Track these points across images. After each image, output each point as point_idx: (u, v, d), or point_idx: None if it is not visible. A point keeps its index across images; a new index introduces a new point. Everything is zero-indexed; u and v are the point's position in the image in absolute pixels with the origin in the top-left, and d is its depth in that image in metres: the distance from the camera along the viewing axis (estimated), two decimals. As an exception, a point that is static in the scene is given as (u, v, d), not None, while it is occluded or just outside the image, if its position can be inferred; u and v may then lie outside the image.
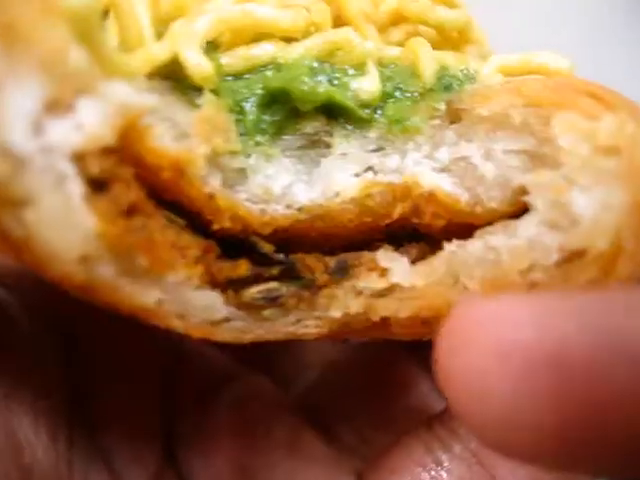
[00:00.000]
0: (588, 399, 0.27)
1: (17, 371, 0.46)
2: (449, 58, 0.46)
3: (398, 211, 0.42)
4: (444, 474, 0.46)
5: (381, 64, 0.46)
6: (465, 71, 0.46)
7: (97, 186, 0.35)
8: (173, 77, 0.41)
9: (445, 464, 0.46)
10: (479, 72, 0.46)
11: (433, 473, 0.46)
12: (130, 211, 0.37)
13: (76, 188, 0.34)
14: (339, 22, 0.48)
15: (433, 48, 0.49)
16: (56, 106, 0.33)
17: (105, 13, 0.41)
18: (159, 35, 0.42)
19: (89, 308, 0.39)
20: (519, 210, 0.40)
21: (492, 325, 0.28)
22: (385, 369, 0.61)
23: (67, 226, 0.34)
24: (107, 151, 0.35)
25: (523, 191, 0.39)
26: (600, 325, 0.27)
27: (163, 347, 0.57)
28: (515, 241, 0.39)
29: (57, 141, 0.33)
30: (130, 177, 0.37)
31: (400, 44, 0.48)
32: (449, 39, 0.51)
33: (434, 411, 0.51)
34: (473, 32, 0.51)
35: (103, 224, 0.35)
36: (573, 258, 0.37)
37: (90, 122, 0.34)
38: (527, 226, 0.39)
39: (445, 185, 0.41)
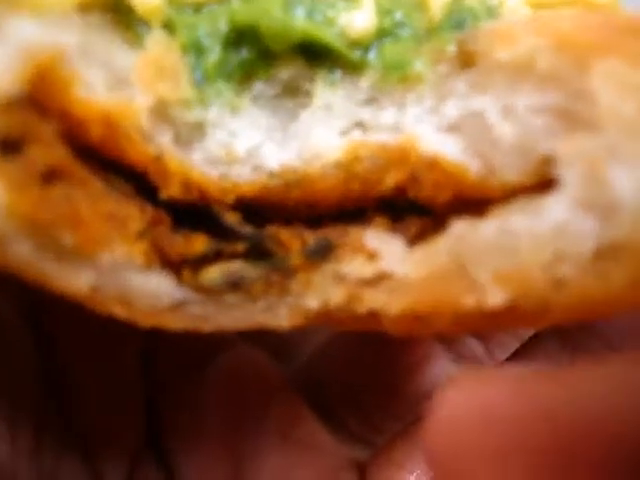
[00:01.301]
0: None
1: None
2: (468, -15, 0.38)
3: (392, 179, 0.34)
4: None
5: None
6: (487, 1, 0.38)
7: (7, 148, 0.29)
8: (119, 8, 0.33)
9: None
10: (503, 3, 0.37)
11: None
12: (50, 177, 0.30)
13: None
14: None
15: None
16: None
17: None
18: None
19: None
20: (544, 184, 0.32)
21: (486, 417, 0.25)
22: (396, 344, 0.54)
23: None
24: (17, 104, 0.28)
25: (550, 161, 0.31)
26: (602, 418, 0.24)
27: None
28: (539, 224, 0.31)
29: None
30: (51, 135, 0.30)
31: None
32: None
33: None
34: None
35: (13, 194, 0.28)
36: (611, 252, 0.29)
37: None
38: (555, 206, 0.30)
39: (450, 150, 0.33)
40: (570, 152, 0.30)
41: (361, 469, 0.49)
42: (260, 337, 0.55)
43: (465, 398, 0.26)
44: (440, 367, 0.54)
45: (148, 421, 0.52)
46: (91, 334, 0.49)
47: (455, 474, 0.25)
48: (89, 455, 0.48)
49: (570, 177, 0.30)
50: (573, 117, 0.31)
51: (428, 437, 0.26)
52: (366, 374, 0.54)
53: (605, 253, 0.29)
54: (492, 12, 0.37)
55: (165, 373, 0.53)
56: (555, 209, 0.30)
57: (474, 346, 0.55)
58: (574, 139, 0.30)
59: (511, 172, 0.32)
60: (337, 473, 0.49)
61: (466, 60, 0.34)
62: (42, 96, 0.30)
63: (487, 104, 0.33)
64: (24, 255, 0.30)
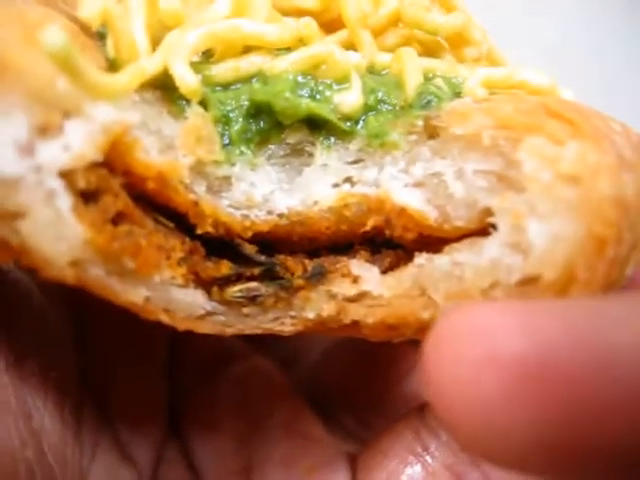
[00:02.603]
0: (575, 408, 0.27)
1: (28, 342, 0.49)
2: (439, 66, 0.48)
3: (372, 222, 0.44)
4: (429, 458, 0.49)
5: (372, 71, 0.47)
6: (454, 79, 0.47)
7: (87, 197, 0.39)
8: (166, 86, 0.43)
9: (431, 449, 0.49)
10: (466, 82, 0.47)
11: (420, 458, 0.49)
12: (118, 219, 0.40)
13: (65, 201, 0.37)
14: (339, 24, 0.50)
15: (428, 52, 0.50)
16: (46, 129, 0.36)
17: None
18: (156, 40, 0.44)
19: None
20: (484, 230, 0.41)
21: (481, 335, 0.28)
22: (386, 352, 0.63)
23: (58, 235, 0.37)
24: (95, 166, 0.38)
25: (489, 212, 0.41)
26: (588, 337, 0.28)
27: None
28: (479, 259, 0.40)
29: (47, 161, 0.36)
30: (118, 188, 0.40)
31: (396, 47, 0.50)
32: (448, 40, 0.52)
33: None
34: (471, 33, 0.52)
35: (91, 232, 0.38)
36: (530, 281, 0.38)
37: (77, 142, 0.37)
38: (491, 246, 0.40)
39: (416, 202, 0.43)
40: (503, 206, 0.39)
41: (353, 460, 0.56)
42: (269, 348, 0.65)
43: (471, 327, 0.28)
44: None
45: (171, 417, 0.60)
46: (126, 339, 0.57)
47: (458, 397, 0.28)
48: (121, 441, 0.56)
49: (502, 225, 0.40)
50: (506, 180, 0.40)
51: (431, 361, 0.29)
52: (360, 381, 0.63)
53: (525, 281, 0.38)
54: (455, 89, 0.47)
55: (186, 377, 0.61)
56: (491, 248, 0.40)
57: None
58: (506, 197, 0.39)
59: (460, 219, 0.42)
60: (332, 462, 0.56)
61: (431, 132, 0.44)
62: (112, 158, 0.39)
63: (445, 167, 0.43)
64: (98, 276, 0.39)
